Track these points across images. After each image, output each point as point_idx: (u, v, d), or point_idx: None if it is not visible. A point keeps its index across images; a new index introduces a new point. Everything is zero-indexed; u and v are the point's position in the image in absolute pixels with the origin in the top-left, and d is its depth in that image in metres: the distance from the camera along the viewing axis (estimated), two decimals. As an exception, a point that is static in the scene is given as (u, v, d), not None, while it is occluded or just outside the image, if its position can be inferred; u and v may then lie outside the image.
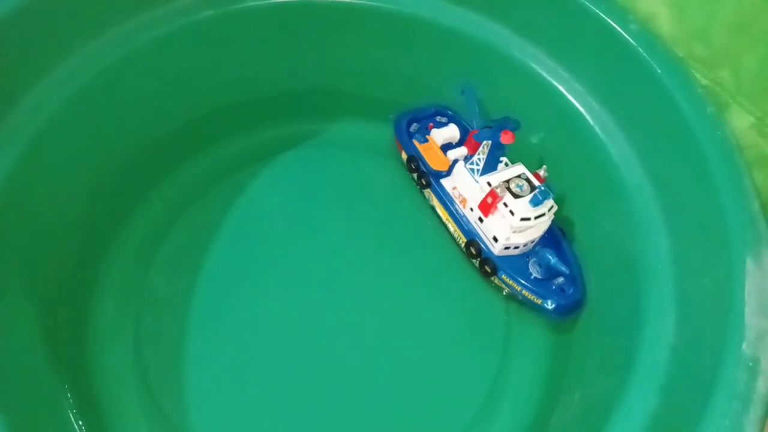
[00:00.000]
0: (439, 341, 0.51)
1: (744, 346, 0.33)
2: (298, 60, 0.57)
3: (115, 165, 0.53)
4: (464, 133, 0.58)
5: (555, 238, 0.52)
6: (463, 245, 0.54)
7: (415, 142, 0.57)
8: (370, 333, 0.51)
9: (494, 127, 0.50)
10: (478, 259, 0.53)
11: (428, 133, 0.58)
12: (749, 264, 0.35)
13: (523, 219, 0.48)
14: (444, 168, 0.55)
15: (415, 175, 0.58)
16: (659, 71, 0.43)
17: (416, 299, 0.53)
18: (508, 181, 0.50)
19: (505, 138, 0.49)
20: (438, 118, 0.60)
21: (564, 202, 0.53)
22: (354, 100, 0.61)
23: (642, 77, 0.44)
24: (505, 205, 0.49)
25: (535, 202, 0.48)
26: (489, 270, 0.52)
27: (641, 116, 0.45)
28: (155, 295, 0.52)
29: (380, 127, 0.61)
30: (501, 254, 0.52)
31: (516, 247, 0.51)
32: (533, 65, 0.51)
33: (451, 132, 0.58)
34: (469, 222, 0.53)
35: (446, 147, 0.57)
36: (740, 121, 0.40)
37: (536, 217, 0.48)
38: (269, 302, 0.52)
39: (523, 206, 0.48)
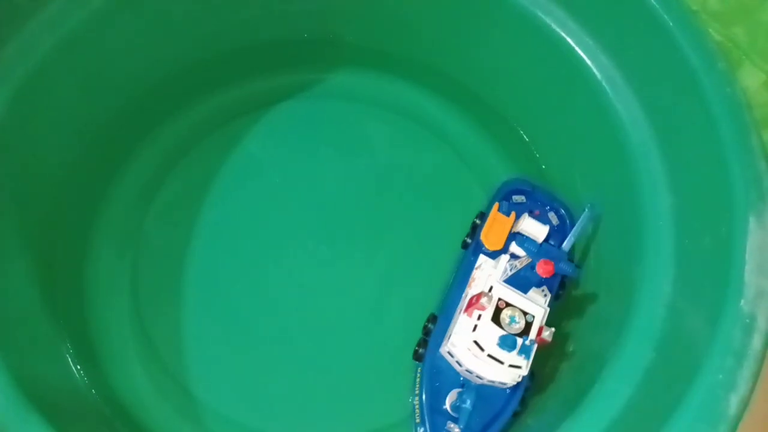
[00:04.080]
0: (432, 293, 0.51)
1: (741, 303, 0.34)
2: (299, 4, 0.55)
3: (109, 111, 0.52)
4: (548, 239, 0.49)
5: (507, 398, 0.44)
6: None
7: (496, 206, 0.50)
8: (365, 286, 0.52)
9: (541, 249, 0.46)
10: (424, 337, 0.48)
11: (524, 214, 0.50)
12: (752, 223, 0.35)
13: (476, 342, 0.41)
14: (490, 247, 0.48)
15: (469, 232, 0.53)
16: (671, 24, 0.42)
17: (412, 256, 0.53)
18: (508, 305, 0.43)
19: (541, 267, 0.44)
20: (550, 214, 0.51)
21: (565, 157, 0.52)
22: (357, 51, 0.59)
23: (653, 30, 0.43)
24: (478, 318, 0.42)
25: (503, 343, 0.41)
26: (418, 353, 0.47)
27: (650, 71, 0.44)
28: (152, 244, 0.52)
29: (383, 80, 0.59)
30: (440, 356, 0.45)
31: (459, 363, 0.44)
32: (541, 15, 0.49)
33: (539, 232, 0.48)
34: (455, 302, 0.47)
35: (521, 237, 0.48)
36: (752, 80, 0.40)
37: (490, 356, 0.41)
38: (265, 253, 0.52)
39: (489, 334, 0.41)
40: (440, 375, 0.45)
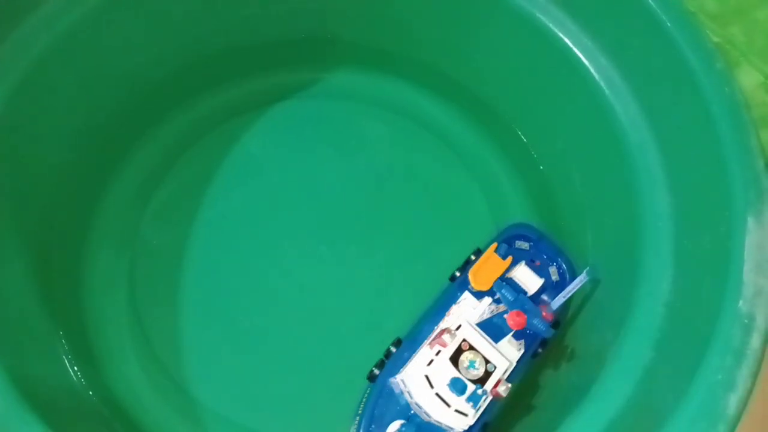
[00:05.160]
0: (430, 292, 0.51)
1: (740, 303, 0.34)
2: (298, 3, 0.55)
3: (107, 110, 0.51)
4: (543, 293, 0.47)
5: None
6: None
7: (493, 246, 0.48)
8: (364, 286, 0.52)
9: (518, 300, 0.44)
10: (383, 358, 0.46)
11: (522, 261, 0.47)
12: (750, 222, 0.35)
13: (427, 377, 0.41)
14: (476, 286, 0.46)
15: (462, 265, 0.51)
16: (669, 25, 0.42)
17: (410, 255, 0.53)
18: (472, 348, 0.41)
19: (512, 318, 0.42)
20: (552, 268, 0.48)
21: (564, 160, 0.52)
22: (357, 51, 0.59)
23: (651, 31, 0.43)
24: (437, 353, 0.42)
25: (453, 385, 0.40)
26: (373, 374, 0.45)
27: (648, 71, 0.44)
28: (150, 243, 0.51)
29: (382, 80, 0.59)
30: (394, 383, 0.43)
31: (410, 395, 0.42)
32: (540, 15, 0.49)
33: (531, 283, 0.46)
34: (428, 331, 0.45)
35: (500, 282, 0.46)
36: (750, 80, 0.40)
37: (437, 395, 0.40)
38: (263, 252, 0.52)
39: (442, 372, 0.41)
40: (388, 401, 0.43)
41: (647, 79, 0.45)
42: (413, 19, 0.56)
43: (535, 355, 0.45)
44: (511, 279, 0.47)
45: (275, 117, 0.58)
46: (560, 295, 0.44)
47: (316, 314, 0.50)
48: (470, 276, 0.46)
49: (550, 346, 0.46)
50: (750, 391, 0.32)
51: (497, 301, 0.45)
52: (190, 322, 0.49)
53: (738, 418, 0.32)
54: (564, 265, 0.49)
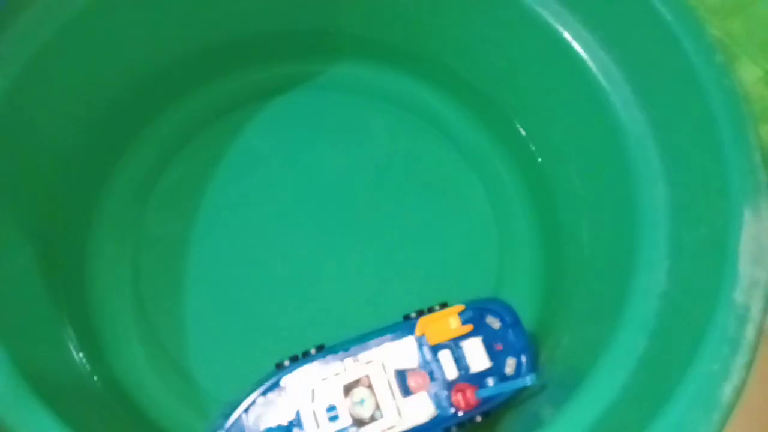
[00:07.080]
0: (431, 285, 0.52)
1: (736, 294, 0.34)
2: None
3: (109, 100, 0.51)
4: (487, 375, 0.43)
5: None
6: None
7: (460, 307, 0.44)
8: (366, 275, 0.52)
9: (433, 362, 0.41)
10: (299, 354, 0.43)
11: (480, 336, 0.43)
12: (747, 214, 0.36)
13: (313, 391, 0.39)
14: (418, 333, 0.43)
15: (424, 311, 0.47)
16: (669, 18, 0.42)
17: (409, 247, 0.54)
18: (371, 387, 0.39)
19: (413, 378, 0.39)
20: (510, 360, 0.44)
21: (561, 152, 0.52)
22: (358, 43, 0.58)
23: (651, 24, 0.43)
24: (336, 374, 0.40)
25: (329, 411, 0.38)
26: (281, 364, 0.43)
27: (647, 64, 0.44)
28: (152, 232, 0.52)
29: (383, 72, 0.59)
30: (293, 382, 0.41)
31: (294, 398, 0.40)
32: (538, 8, 0.49)
33: (477, 362, 0.42)
34: (352, 352, 0.42)
35: (457, 353, 0.43)
36: (749, 74, 0.40)
37: (314, 413, 0.39)
38: (265, 242, 0.53)
39: (328, 393, 0.39)
40: (279, 395, 0.40)
41: (646, 72, 0.45)
42: (414, 11, 0.56)
43: (447, 430, 0.41)
44: (459, 348, 0.43)
45: (277, 109, 0.58)
46: (495, 386, 0.41)
47: (318, 303, 0.51)
48: (419, 323, 0.43)
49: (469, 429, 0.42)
50: (744, 381, 0.33)
51: (427, 362, 0.42)
52: (193, 309, 0.50)
53: (732, 406, 0.32)
54: (524, 364, 0.44)
